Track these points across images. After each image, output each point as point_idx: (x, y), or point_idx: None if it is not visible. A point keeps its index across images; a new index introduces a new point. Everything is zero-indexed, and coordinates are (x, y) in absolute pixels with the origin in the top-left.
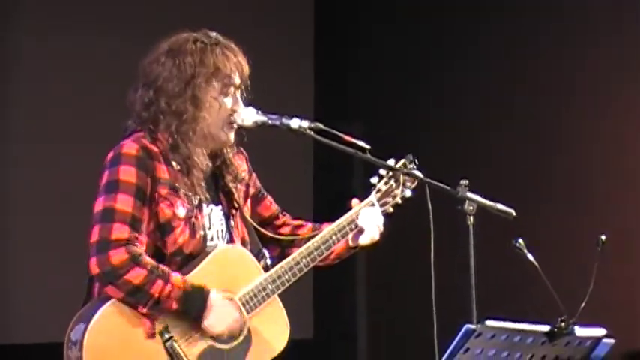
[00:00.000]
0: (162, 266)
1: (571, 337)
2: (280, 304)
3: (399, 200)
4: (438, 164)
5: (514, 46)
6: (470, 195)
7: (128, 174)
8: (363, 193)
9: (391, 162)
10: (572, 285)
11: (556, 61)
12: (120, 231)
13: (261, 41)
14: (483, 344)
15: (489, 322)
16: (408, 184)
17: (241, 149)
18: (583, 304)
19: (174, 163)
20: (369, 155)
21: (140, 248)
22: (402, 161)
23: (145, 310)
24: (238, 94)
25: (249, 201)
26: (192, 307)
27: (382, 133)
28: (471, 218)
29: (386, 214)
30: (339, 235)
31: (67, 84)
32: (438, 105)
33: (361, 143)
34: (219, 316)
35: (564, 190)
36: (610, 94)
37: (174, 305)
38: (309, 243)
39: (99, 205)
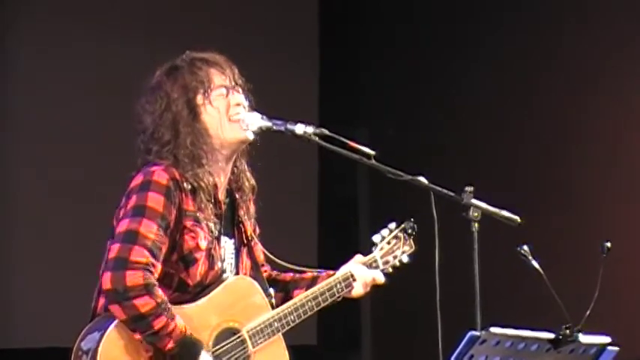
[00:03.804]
0: (170, 305)
1: (576, 344)
2: (284, 343)
3: (397, 262)
4: (443, 170)
5: (518, 53)
6: (475, 201)
7: (156, 201)
8: (367, 202)
9: (392, 225)
10: (577, 292)
11: (562, 66)
12: (139, 254)
13: (266, 45)
14: (488, 351)
15: (494, 329)
16: (407, 247)
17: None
18: (588, 312)
19: (197, 194)
20: (373, 161)
21: (154, 279)
22: (402, 225)
23: (139, 337)
24: (233, 92)
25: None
26: (186, 354)
27: (387, 138)
28: (476, 225)
29: (385, 274)
30: (343, 284)
31: (68, 85)
32: (442, 111)
33: (366, 149)
34: None
35: (569, 196)
36: (615, 99)
37: (170, 344)
38: (316, 288)
39: (123, 226)
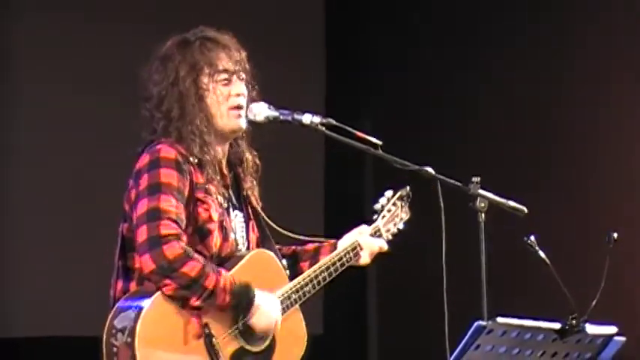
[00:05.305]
0: (212, 263)
1: (582, 334)
2: (301, 315)
3: (395, 230)
4: (450, 161)
5: (525, 45)
6: (482, 192)
7: (169, 176)
8: (374, 191)
9: (389, 193)
10: (583, 282)
11: (569, 59)
12: (168, 227)
13: (272, 39)
14: (494, 341)
15: (500, 319)
16: (404, 215)
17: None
18: (594, 302)
19: (204, 167)
20: (380, 151)
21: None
22: (399, 193)
23: (197, 303)
24: (236, 79)
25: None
26: (242, 302)
27: (393, 130)
28: (483, 215)
29: (388, 240)
30: (351, 254)
31: (69, 84)
32: (449, 102)
33: (373, 139)
34: (265, 314)
35: (576, 186)
36: (622, 92)
37: (228, 298)
38: (327, 259)
39: (143, 207)
